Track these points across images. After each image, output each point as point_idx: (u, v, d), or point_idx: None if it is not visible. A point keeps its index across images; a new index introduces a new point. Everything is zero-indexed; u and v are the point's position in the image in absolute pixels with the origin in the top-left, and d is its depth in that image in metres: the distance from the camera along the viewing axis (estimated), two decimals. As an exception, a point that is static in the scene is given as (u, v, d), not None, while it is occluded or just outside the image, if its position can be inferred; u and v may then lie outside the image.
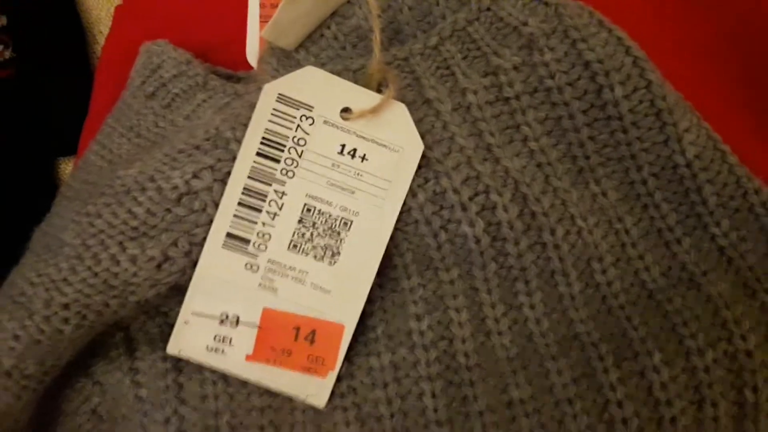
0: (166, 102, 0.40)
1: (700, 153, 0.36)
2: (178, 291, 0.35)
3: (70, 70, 0.51)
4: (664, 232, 0.36)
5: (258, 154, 0.34)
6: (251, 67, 0.45)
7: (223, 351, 0.35)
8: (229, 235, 0.34)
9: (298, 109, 0.34)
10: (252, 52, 0.45)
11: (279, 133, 0.34)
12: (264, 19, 0.45)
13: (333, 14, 0.39)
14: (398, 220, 0.35)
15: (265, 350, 0.35)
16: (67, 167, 0.49)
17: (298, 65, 0.39)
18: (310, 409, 0.35)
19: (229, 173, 0.34)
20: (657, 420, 0.33)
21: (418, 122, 0.35)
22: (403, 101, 0.36)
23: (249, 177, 0.34)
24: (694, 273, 0.36)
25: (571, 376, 0.34)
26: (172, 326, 0.35)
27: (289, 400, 0.35)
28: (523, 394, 0.34)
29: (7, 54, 0.47)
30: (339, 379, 0.35)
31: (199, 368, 0.35)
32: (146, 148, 0.38)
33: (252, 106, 0.35)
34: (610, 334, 0.35)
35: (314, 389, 0.35)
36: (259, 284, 0.35)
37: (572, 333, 0.35)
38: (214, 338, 0.35)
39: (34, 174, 0.47)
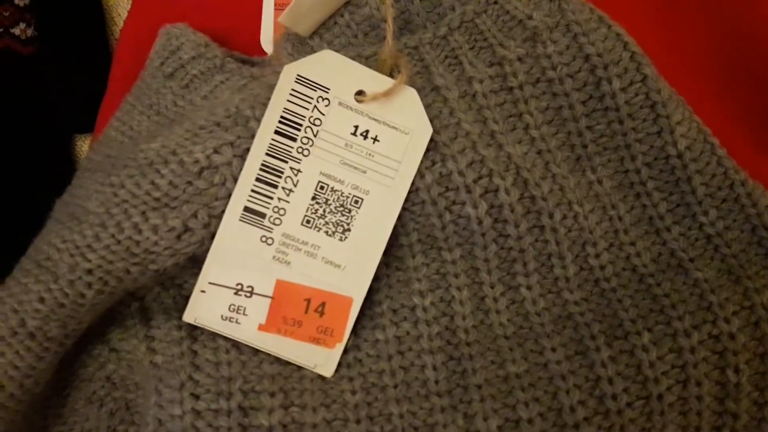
0: (184, 82, 0.41)
1: (691, 145, 0.37)
2: (193, 263, 0.36)
3: (89, 50, 0.52)
4: (655, 219, 0.37)
5: (276, 132, 0.35)
6: (265, 53, 0.46)
7: (237, 320, 0.35)
8: (246, 208, 0.35)
9: (315, 91, 0.35)
10: (266, 38, 0.45)
11: (296, 113, 0.35)
12: (279, 7, 0.46)
13: (346, 3, 0.40)
14: (406, 200, 0.36)
15: (277, 321, 0.35)
16: (83, 144, 0.50)
17: (312, 51, 0.40)
18: (318, 378, 0.36)
19: (248, 150, 0.35)
20: (645, 397, 0.34)
21: (426, 108, 0.36)
22: (412, 87, 0.37)
23: (267, 154, 0.35)
24: (682, 259, 0.36)
25: (564, 353, 0.35)
26: (186, 297, 0.36)
27: (299, 368, 0.36)
28: (519, 369, 0.35)
29: (29, 32, 0.47)
30: (346, 350, 0.36)
31: (213, 336, 0.36)
32: (166, 125, 0.39)
33: (271, 87, 0.36)
34: (602, 315, 0.35)
35: (322, 359, 0.36)
36: (273, 257, 0.35)
37: (566, 313, 0.36)
38: (229, 308, 0.35)
39: (52, 149, 0.48)
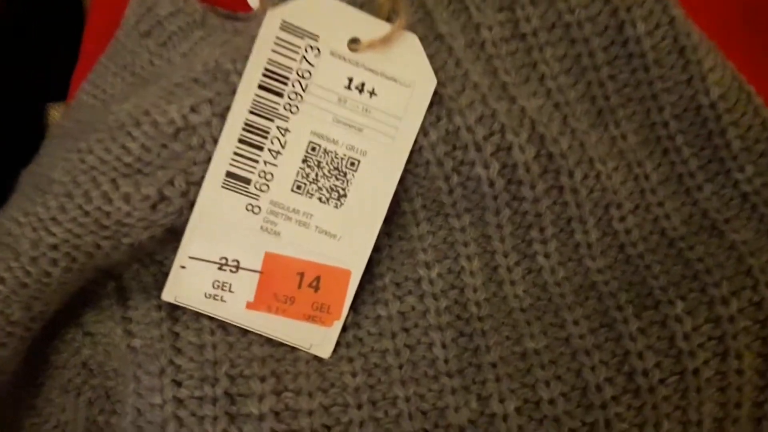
0: (162, 40, 0.38)
1: (725, 93, 0.35)
2: (174, 237, 0.34)
3: (61, 14, 0.49)
4: (685, 177, 0.36)
5: (260, 87, 0.33)
6: (251, 9, 0.43)
7: (222, 298, 0.34)
8: (228, 174, 0.33)
9: (302, 39, 0.33)
10: (252, -8, 0.43)
11: (282, 65, 0.33)
12: (265, -44, 0.43)
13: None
14: (408, 161, 0.34)
15: (266, 297, 0.34)
16: (56, 113, 0.47)
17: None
18: (314, 360, 0.34)
19: (228, 107, 0.33)
20: (679, 372, 0.32)
21: (429, 58, 0.34)
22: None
23: (250, 111, 0.33)
24: (716, 220, 0.35)
25: (588, 326, 0.33)
26: (167, 275, 0.34)
27: (292, 350, 0.34)
28: (537, 344, 0.33)
29: (-3, -6, 0.45)
30: (345, 328, 0.35)
31: (197, 317, 0.34)
32: (141, 85, 0.37)
33: (254, 39, 0.33)
34: (629, 284, 0.34)
35: (319, 339, 0.34)
36: (261, 227, 0.33)
37: (589, 282, 0.34)
38: (213, 284, 0.34)
39: (23, 118, 0.45)
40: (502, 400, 0.32)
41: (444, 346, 0.34)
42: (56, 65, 0.47)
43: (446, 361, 0.33)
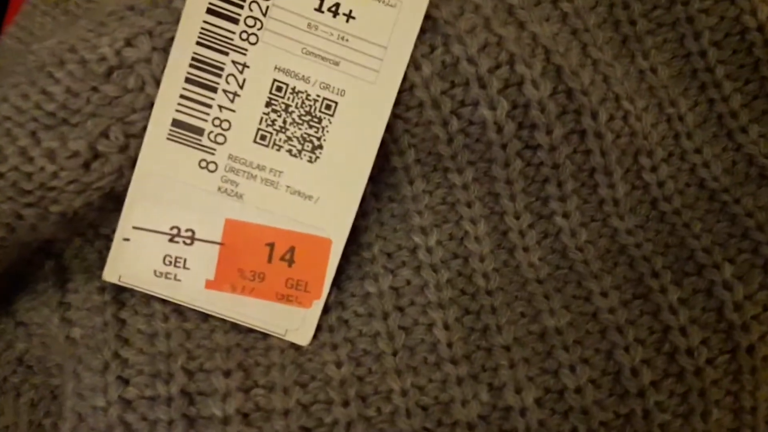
0: None
1: None
2: (120, 205, 0.31)
3: None
4: (726, 118, 0.33)
5: (209, 11, 0.29)
6: None
7: (175, 276, 0.31)
8: (175, 122, 0.30)
9: None
10: None
11: None
12: None
13: None
14: (397, 103, 0.31)
15: (229, 274, 0.31)
16: None
17: None
18: (290, 348, 0.32)
19: (172, 39, 0.29)
20: (730, 350, 0.30)
21: None
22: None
23: (198, 43, 0.29)
24: (765, 167, 0.33)
25: (619, 298, 0.31)
26: None
27: (263, 337, 0.32)
28: (559, 322, 0.31)
29: None
30: (326, 309, 0.32)
31: (147, 300, 0.32)
32: (72, 23, 0.33)
33: None
34: (665, 246, 0.32)
35: (295, 323, 0.32)
36: (219, 188, 0.30)
37: (617, 246, 0.32)
38: (164, 260, 0.31)
39: None
40: (518, 391, 0.30)
41: (446, 327, 0.31)
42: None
43: (450, 345, 0.31)
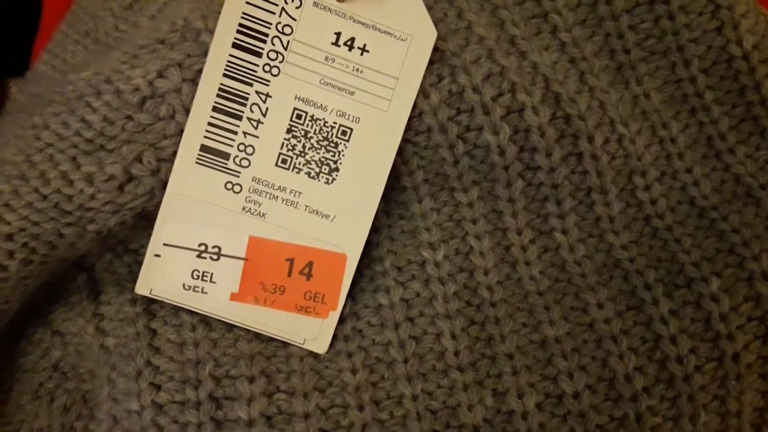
0: (127, 2, 0.36)
1: (759, 43, 0.33)
2: (149, 223, 0.32)
3: None
4: (715, 139, 0.34)
5: (235, 45, 0.30)
6: None
7: (203, 289, 0.32)
8: (203, 147, 0.31)
9: None
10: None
11: (260, 19, 0.30)
12: None
13: None
14: (407, 128, 0.32)
15: (253, 287, 0.32)
16: (16, 89, 0.45)
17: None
18: (309, 356, 0.32)
19: (200, 71, 0.30)
20: (717, 358, 0.31)
21: (428, 9, 0.31)
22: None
23: (225, 75, 0.30)
24: (751, 186, 0.33)
25: (614, 309, 0.32)
26: None
27: (284, 345, 0.33)
28: (558, 332, 0.32)
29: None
30: (342, 320, 0.33)
31: (175, 311, 0.32)
32: (104, 53, 0.34)
33: None
34: (657, 260, 0.33)
35: (313, 333, 0.32)
36: (243, 208, 0.31)
37: (612, 260, 0.33)
38: (192, 274, 0.31)
39: None
40: (520, 396, 0.31)
41: (453, 336, 0.32)
42: (16, 38, 0.45)
43: (456, 353, 0.32)
